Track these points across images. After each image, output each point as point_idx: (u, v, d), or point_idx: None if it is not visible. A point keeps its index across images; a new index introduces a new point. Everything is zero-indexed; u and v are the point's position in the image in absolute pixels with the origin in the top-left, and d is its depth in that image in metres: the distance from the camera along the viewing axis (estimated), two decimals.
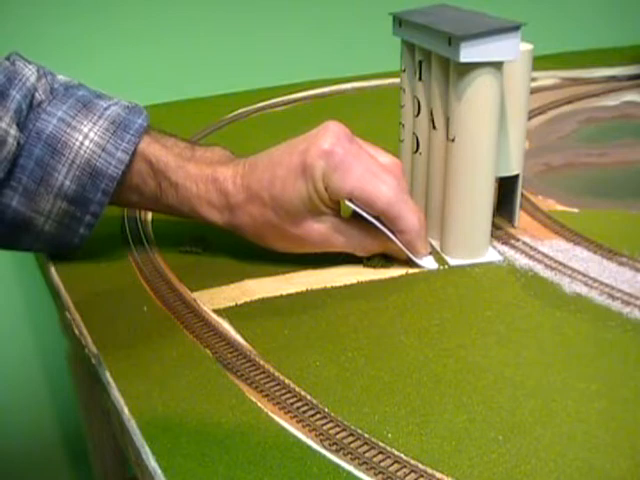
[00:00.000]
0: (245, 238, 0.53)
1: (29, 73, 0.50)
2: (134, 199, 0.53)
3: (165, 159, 0.51)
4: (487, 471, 0.34)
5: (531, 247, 0.55)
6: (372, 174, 0.48)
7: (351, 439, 0.36)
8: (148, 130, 0.52)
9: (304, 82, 1.00)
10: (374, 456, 0.35)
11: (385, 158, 0.51)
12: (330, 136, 0.49)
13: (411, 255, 0.51)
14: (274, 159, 0.50)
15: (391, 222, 0.49)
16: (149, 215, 0.62)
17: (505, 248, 0.55)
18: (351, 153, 0.48)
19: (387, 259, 0.53)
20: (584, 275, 0.51)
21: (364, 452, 0.35)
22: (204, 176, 0.51)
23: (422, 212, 0.51)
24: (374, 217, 0.49)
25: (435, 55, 0.51)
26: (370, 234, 0.51)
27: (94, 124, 0.49)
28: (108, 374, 0.42)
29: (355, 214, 0.50)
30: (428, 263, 0.52)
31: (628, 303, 0.47)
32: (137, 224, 0.60)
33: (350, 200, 0.48)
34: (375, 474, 0.34)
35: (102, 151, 0.49)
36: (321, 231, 0.50)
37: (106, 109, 0.50)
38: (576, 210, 0.61)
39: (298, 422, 0.38)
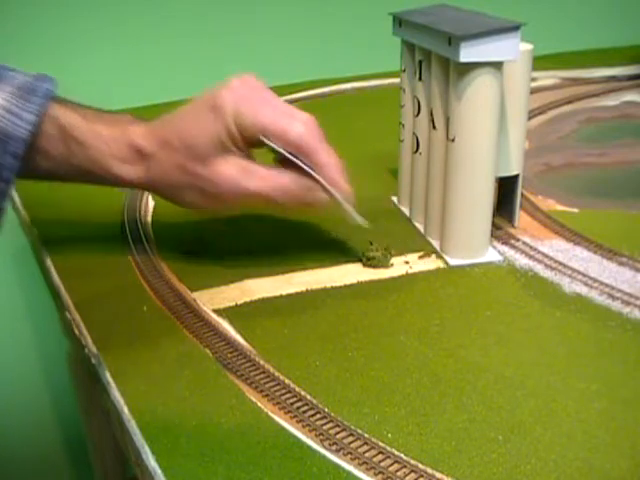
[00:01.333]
0: (161, 197, 0.52)
1: None
2: (45, 165, 0.51)
3: (74, 121, 0.50)
4: (487, 471, 0.34)
5: (531, 247, 0.55)
6: (284, 111, 0.48)
7: (351, 439, 0.36)
8: (56, 96, 0.50)
9: (304, 82, 1.00)
10: (374, 456, 0.35)
11: (299, 111, 0.50)
12: (240, 79, 0.49)
13: (334, 192, 0.49)
14: (184, 109, 0.50)
15: (307, 156, 0.48)
16: (149, 216, 0.62)
17: (505, 248, 0.55)
18: (262, 91, 0.49)
19: (387, 258, 0.53)
20: (584, 275, 0.51)
21: (364, 452, 0.35)
22: (115, 135, 0.50)
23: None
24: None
25: (435, 55, 0.51)
26: (287, 176, 0.49)
27: (1, 91, 0.48)
28: (108, 374, 0.42)
29: (277, 161, 0.49)
30: (351, 210, 0.50)
31: (628, 303, 0.47)
32: (137, 224, 0.60)
33: (264, 136, 0.47)
34: (375, 474, 0.34)
35: (9, 114, 0.48)
36: (232, 173, 0.48)
37: (13, 77, 0.49)
38: (576, 210, 0.61)
39: (298, 422, 0.38)
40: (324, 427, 0.37)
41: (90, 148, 0.50)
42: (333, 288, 0.50)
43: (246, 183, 0.48)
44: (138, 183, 0.51)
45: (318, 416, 0.38)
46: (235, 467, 0.35)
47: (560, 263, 0.52)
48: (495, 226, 0.56)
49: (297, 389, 0.40)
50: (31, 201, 0.65)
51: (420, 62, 0.54)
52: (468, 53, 0.46)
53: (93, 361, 0.44)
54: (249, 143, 0.49)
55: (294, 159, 0.48)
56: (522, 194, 0.59)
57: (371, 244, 0.54)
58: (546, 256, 0.53)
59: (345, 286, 0.50)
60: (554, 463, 0.35)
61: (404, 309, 0.47)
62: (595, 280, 0.50)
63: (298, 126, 0.48)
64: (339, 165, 0.49)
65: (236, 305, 0.48)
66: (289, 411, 0.38)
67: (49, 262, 0.55)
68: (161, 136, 0.49)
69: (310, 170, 0.48)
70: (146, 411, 0.39)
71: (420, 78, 0.54)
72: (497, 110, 0.49)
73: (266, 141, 0.48)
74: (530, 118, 0.83)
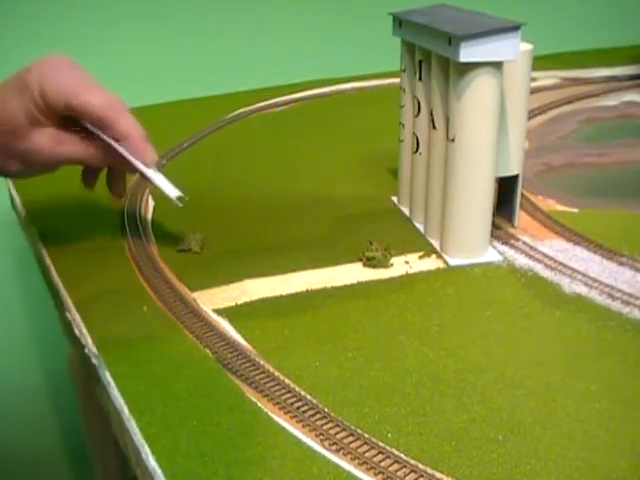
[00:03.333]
0: None
1: None
2: None
3: None
4: (487, 471, 0.34)
5: (531, 247, 0.55)
6: (87, 86, 0.49)
7: (351, 439, 0.36)
8: None
9: (304, 82, 1.00)
10: (374, 456, 0.35)
11: (103, 87, 0.51)
12: (50, 56, 0.50)
13: (138, 164, 0.50)
14: None
15: (110, 128, 0.50)
16: (149, 215, 0.62)
17: (505, 248, 0.55)
18: (70, 68, 0.50)
19: (387, 258, 0.53)
20: (584, 275, 0.51)
21: (364, 452, 0.35)
22: None
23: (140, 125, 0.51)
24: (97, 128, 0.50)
25: (435, 55, 0.51)
26: (95, 143, 0.51)
27: None
28: (108, 374, 0.42)
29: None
30: (163, 183, 0.51)
31: (628, 303, 0.47)
32: (137, 224, 0.60)
33: (68, 108, 0.49)
34: (375, 474, 0.34)
35: None
36: (44, 142, 0.50)
37: None
38: (576, 210, 0.61)
39: (298, 422, 0.38)
40: (324, 427, 0.37)
41: None
42: (333, 288, 0.50)
43: (62, 151, 0.50)
44: None
45: (318, 416, 0.38)
46: (235, 467, 0.35)
47: (560, 263, 0.52)
48: (495, 226, 0.56)
49: (297, 389, 0.40)
50: (31, 201, 0.65)
51: (420, 62, 0.54)
52: (468, 53, 0.46)
53: (93, 361, 0.44)
54: (58, 114, 0.50)
55: (96, 131, 0.50)
56: (522, 194, 0.59)
57: (371, 244, 0.54)
58: (546, 256, 0.53)
59: (345, 286, 0.50)
60: (554, 463, 0.35)
61: (404, 309, 0.47)
62: (595, 280, 0.50)
63: (99, 98, 0.49)
64: (141, 134, 0.51)
65: (236, 305, 0.48)
66: (289, 411, 0.38)
67: (49, 261, 0.55)
68: None
69: (113, 142, 0.50)
70: (146, 411, 0.39)
71: (420, 78, 0.54)
72: (497, 110, 0.49)
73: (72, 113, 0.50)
74: (530, 118, 0.83)
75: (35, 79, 0.48)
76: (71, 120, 0.50)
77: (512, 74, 0.51)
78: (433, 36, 0.50)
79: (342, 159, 0.74)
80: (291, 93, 0.96)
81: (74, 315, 0.48)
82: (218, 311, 0.48)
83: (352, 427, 0.37)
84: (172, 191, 0.51)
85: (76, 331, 0.47)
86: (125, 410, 0.39)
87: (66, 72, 0.50)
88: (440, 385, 0.40)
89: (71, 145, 0.51)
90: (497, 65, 0.48)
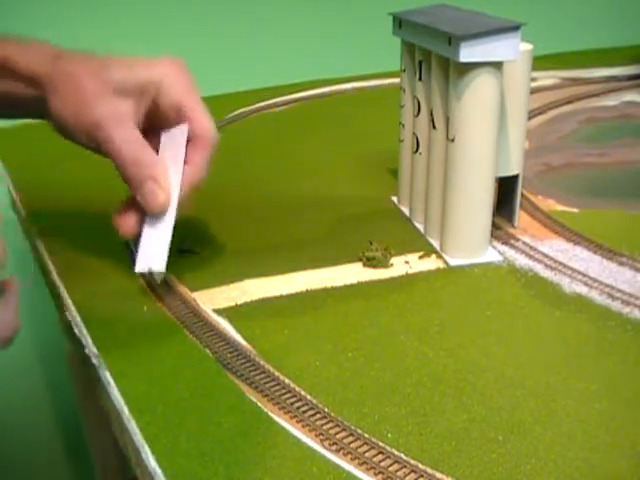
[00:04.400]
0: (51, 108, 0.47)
1: None
2: None
3: None
4: (487, 471, 0.34)
5: (531, 247, 0.55)
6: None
7: (351, 439, 0.36)
8: None
9: (304, 82, 1.00)
10: (374, 456, 0.35)
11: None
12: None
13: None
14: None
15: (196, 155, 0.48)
16: None
17: (505, 248, 0.55)
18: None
19: (387, 258, 0.53)
20: (584, 275, 0.51)
21: (364, 452, 0.35)
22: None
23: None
24: None
25: (435, 55, 0.51)
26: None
27: None
28: (108, 374, 0.42)
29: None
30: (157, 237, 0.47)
31: (628, 303, 0.47)
32: None
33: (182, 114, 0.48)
34: (375, 474, 0.34)
35: None
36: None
37: None
38: (576, 210, 0.61)
39: (298, 422, 0.38)
40: (324, 427, 0.37)
41: None
42: (333, 288, 0.50)
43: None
44: (43, 75, 0.47)
45: (318, 416, 0.38)
46: (235, 467, 0.35)
47: (560, 263, 0.52)
48: (495, 226, 0.56)
49: (297, 389, 0.40)
50: (31, 201, 0.65)
51: (420, 62, 0.54)
52: (468, 53, 0.46)
53: (93, 361, 0.44)
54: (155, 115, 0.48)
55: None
56: (522, 194, 0.59)
57: (371, 244, 0.54)
58: (546, 256, 0.53)
59: (345, 286, 0.50)
60: (554, 463, 0.35)
61: (404, 309, 0.47)
62: (595, 280, 0.50)
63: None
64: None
65: (236, 305, 0.48)
66: (289, 411, 0.38)
67: (49, 261, 0.55)
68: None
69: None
70: (146, 411, 0.39)
71: (420, 78, 0.54)
72: (497, 110, 0.49)
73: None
74: (530, 118, 0.83)
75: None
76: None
77: (512, 74, 0.51)
78: (433, 36, 0.50)
79: (342, 159, 0.74)
80: (291, 93, 0.96)
81: (74, 315, 0.48)
82: (218, 311, 0.48)
83: (352, 427, 0.37)
84: (157, 260, 0.46)
85: (76, 331, 0.47)
86: (125, 410, 0.39)
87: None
88: (440, 385, 0.40)
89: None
90: (497, 65, 0.48)
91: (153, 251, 0.46)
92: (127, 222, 0.48)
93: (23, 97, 0.49)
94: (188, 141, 0.48)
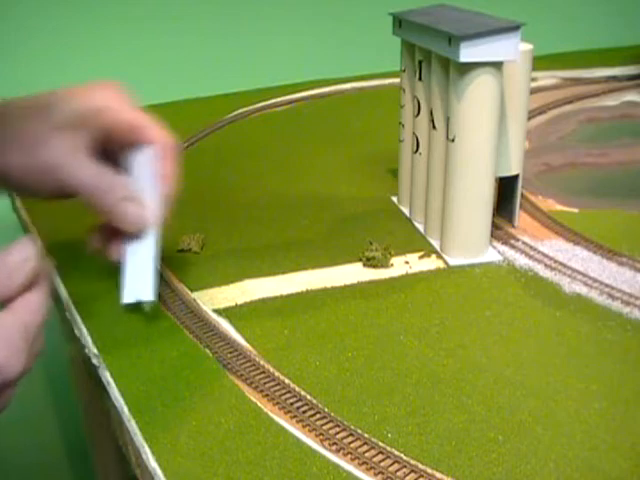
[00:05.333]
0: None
1: None
2: None
3: None
4: (487, 471, 0.34)
5: (531, 247, 0.55)
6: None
7: (351, 439, 0.36)
8: None
9: (304, 82, 1.00)
10: (374, 456, 0.35)
11: None
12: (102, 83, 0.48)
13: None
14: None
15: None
16: None
17: (505, 248, 0.55)
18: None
19: (387, 258, 0.53)
20: (584, 275, 0.51)
21: (364, 452, 0.35)
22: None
23: None
24: None
25: (435, 55, 0.51)
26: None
27: None
28: (108, 374, 0.42)
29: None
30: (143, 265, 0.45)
31: (628, 303, 0.47)
32: None
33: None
34: (375, 474, 0.34)
35: None
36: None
37: None
38: (576, 210, 0.61)
39: (298, 422, 0.38)
40: (324, 427, 0.37)
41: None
42: (333, 288, 0.50)
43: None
44: None
45: (318, 416, 0.38)
46: (235, 467, 0.35)
47: (560, 263, 0.52)
48: (495, 226, 0.56)
49: (297, 389, 0.40)
50: (31, 201, 0.65)
51: (420, 62, 0.54)
52: (468, 53, 0.46)
53: (93, 361, 0.44)
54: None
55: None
56: (522, 194, 0.59)
57: (371, 244, 0.54)
58: (546, 256, 0.53)
59: (345, 286, 0.50)
60: (554, 463, 0.35)
61: (404, 309, 0.47)
62: (595, 280, 0.50)
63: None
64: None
65: (236, 305, 0.48)
66: (289, 411, 0.38)
67: (49, 261, 0.55)
68: None
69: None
70: (146, 411, 0.39)
71: (420, 78, 0.54)
72: (497, 110, 0.49)
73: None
74: (530, 118, 0.83)
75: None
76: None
77: (512, 74, 0.51)
78: (433, 36, 0.50)
79: (342, 159, 0.74)
80: (291, 93, 0.96)
81: (74, 315, 0.48)
82: (218, 311, 0.48)
83: (352, 427, 0.37)
84: (145, 290, 0.44)
85: (76, 331, 0.47)
86: (125, 410, 0.39)
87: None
88: (440, 385, 0.40)
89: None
90: (497, 65, 0.48)
91: (139, 280, 0.44)
92: (113, 247, 0.47)
93: None
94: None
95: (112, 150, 0.48)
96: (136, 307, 0.46)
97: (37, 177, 0.46)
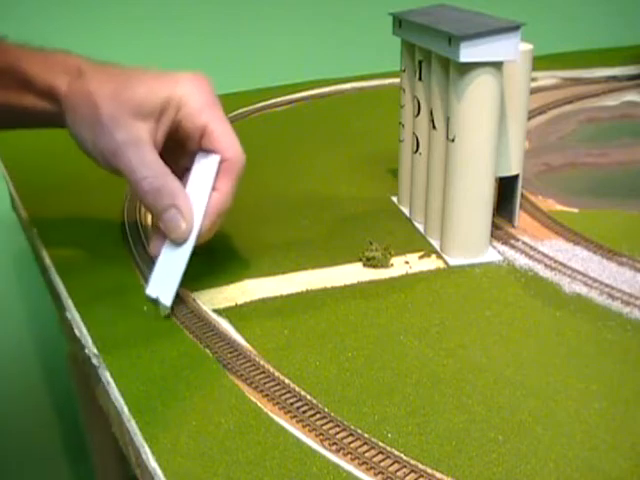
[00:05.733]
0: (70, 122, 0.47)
1: None
2: None
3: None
4: (487, 471, 0.34)
5: (531, 247, 0.55)
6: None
7: (351, 439, 0.36)
8: None
9: (304, 82, 1.00)
10: (374, 456, 0.35)
11: None
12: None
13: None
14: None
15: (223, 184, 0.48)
16: (149, 216, 0.62)
17: (505, 248, 0.55)
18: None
19: (387, 258, 0.53)
20: (584, 275, 0.51)
21: (364, 452, 0.35)
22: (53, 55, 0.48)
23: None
24: None
25: (435, 55, 0.51)
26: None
27: None
28: (108, 374, 0.42)
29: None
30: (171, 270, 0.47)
31: (628, 303, 0.47)
32: (137, 224, 0.60)
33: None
34: (375, 474, 0.34)
35: None
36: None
37: None
38: (576, 210, 0.61)
39: (298, 422, 0.38)
40: (324, 427, 0.37)
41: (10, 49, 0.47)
42: (333, 288, 0.50)
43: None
44: (64, 93, 0.46)
45: (318, 416, 0.38)
46: (235, 467, 0.35)
47: (560, 263, 0.52)
48: (495, 226, 0.56)
49: (297, 389, 0.40)
50: (31, 201, 0.65)
51: (420, 62, 0.54)
52: (468, 53, 0.46)
53: (93, 361, 0.44)
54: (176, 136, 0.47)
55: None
56: (522, 194, 0.59)
57: (371, 244, 0.54)
58: (546, 256, 0.53)
59: (345, 286, 0.50)
60: (554, 463, 0.35)
61: (404, 309, 0.47)
62: (595, 280, 0.50)
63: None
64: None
65: (236, 305, 0.48)
66: (289, 411, 0.38)
67: (49, 262, 0.55)
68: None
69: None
70: (146, 411, 0.39)
71: (420, 78, 0.54)
72: (497, 110, 0.49)
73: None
74: (530, 118, 0.83)
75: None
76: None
77: (512, 74, 0.51)
78: (433, 36, 0.50)
79: (342, 159, 0.74)
80: (291, 93, 0.96)
81: (74, 315, 0.48)
82: (218, 311, 0.48)
83: (352, 427, 0.37)
84: (166, 293, 0.46)
85: (76, 331, 0.47)
86: (125, 410, 0.39)
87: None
88: (440, 385, 0.40)
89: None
90: (497, 65, 0.48)
91: (165, 281, 0.47)
92: (155, 243, 0.48)
93: (40, 110, 0.48)
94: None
95: (181, 145, 0.48)
96: (155, 302, 0.47)
97: (99, 154, 0.46)
